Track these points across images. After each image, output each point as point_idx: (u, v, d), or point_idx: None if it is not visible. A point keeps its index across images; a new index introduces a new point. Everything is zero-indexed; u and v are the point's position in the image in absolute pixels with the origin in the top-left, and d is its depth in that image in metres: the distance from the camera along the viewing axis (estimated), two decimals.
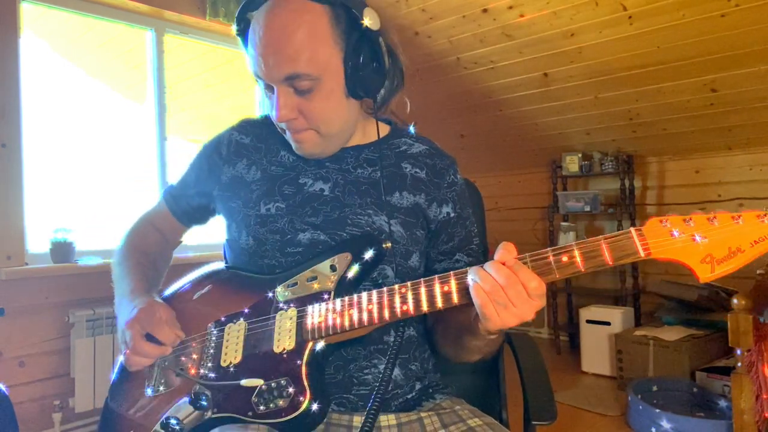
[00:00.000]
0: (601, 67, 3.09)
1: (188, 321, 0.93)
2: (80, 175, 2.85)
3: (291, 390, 0.79)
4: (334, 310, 0.81)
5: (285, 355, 0.82)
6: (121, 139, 3.02)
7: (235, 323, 0.89)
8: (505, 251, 0.72)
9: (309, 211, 0.94)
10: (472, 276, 0.72)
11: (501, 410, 1.15)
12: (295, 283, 0.88)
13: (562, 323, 4.04)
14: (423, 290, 0.77)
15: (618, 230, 0.79)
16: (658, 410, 2.42)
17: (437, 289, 0.76)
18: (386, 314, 0.78)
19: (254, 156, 1.01)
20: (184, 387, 0.87)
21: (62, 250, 2.39)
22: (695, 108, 3.15)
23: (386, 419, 0.90)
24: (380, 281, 0.92)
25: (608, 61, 3.03)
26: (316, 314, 0.82)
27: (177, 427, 0.83)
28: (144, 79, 2.90)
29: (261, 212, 0.95)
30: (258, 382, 0.81)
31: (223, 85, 3.59)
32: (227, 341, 0.87)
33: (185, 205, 1.10)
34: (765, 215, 0.66)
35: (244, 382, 0.81)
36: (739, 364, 2.05)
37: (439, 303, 0.76)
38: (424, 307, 0.76)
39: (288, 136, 0.93)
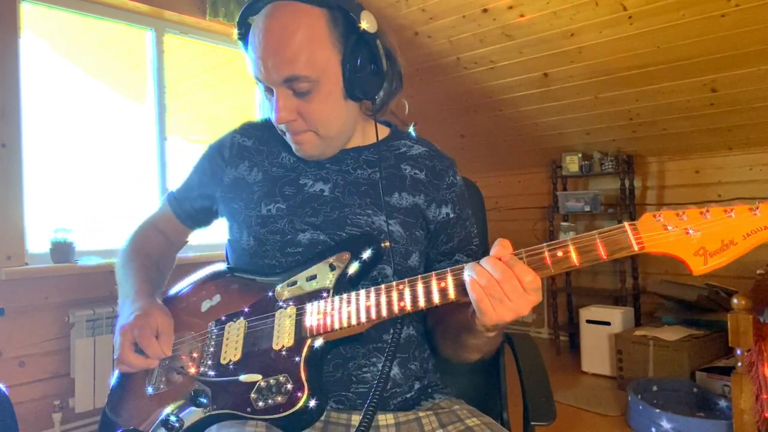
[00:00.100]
0: (601, 67, 3.09)
1: (189, 320, 0.95)
2: (80, 175, 2.85)
3: (289, 386, 0.80)
4: (332, 308, 0.83)
5: (284, 353, 0.83)
6: (121, 139, 3.02)
7: (235, 322, 0.90)
8: (501, 247, 0.73)
9: (309, 212, 0.96)
10: (469, 271, 0.73)
11: (502, 411, 1.15)
12: (295, 282, 0.89)
13: (562, 323, 4.04)
14: (420, 287, 0.78)
15: None
16: (658, 410, 2.42)
17: (434, 286, 0.77)
18: (384, 311, 0.79)
19: (256, 158, 1.03)
20: (185, 385, 0.88)
21: (62, 250, 2.39)
22: (695, 108, 3.15)
23: (384, 418, 0.91)
24: (380, 281, 0.92)
25: (608, 61, 3.03)
26: (315, 312, 0.84)
27: (177, 425, 0.84)
28: (144, 79, 2.90)
29: (262, 213, 0.97)
30: (256, 377, 0.82)
31: (223, 85, 3.59)
32: (227, 339, 0.89)
33: (188, 208, 1.12)
34: (757, 208, 0.67)
35: (242, 377, 0.83)
36: (739, 364, 2.05)
37: (436, 299, 0.77)
38: (421, 303, 0.77)
39: (288, 138, 0.95)
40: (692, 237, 0.68)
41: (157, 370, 0.92)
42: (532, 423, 0.95)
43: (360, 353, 0.91)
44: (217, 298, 0.96)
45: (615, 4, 2.69)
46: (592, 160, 3.78)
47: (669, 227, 0.69)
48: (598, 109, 3.44)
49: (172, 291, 1.04)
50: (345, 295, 0.83)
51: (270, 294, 0.90)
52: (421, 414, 0.92)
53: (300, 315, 0.85)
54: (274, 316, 0.87)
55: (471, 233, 1.03)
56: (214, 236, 1.20)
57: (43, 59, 2.86)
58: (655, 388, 2.73)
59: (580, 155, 3.82)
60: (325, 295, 0.85)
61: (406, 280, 0.79)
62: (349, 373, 0.91)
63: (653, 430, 2.41)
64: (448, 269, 0.77)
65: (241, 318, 0.90)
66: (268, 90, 0.90)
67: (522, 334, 1.22)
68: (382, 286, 0.81)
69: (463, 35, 3.22)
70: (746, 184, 3.34)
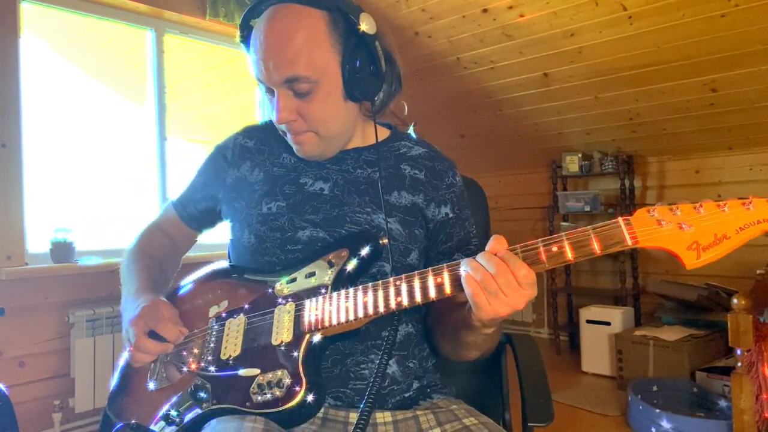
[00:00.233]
0: (601, 67, 3.09)
1: (191, 317, 0.96)
2: (80, 176, 2.85)
3: (287, 381, 0.81)
4: (330, 304, 0.84)
5: (283, 348, 0.84)
6: (120, 139, 3.02)
7: (235, 318, 0.92)
8: (496, 242, 0.75)
9: (309, 210, 0.97)
10: (464, 266, 0.75)
11: (504, 411, 1.15)
12: (294, 279, 0.90)
13: (562, 323, 4.04)
14: (416, 282, 0.79)
15: None
16: (658, 410, 2.42)
17: (430, 281, 0.78)
18: (381, 306, 0.80)
19: (257, 158, 1.05)
20: (185, 380, 0.89)
21: (62, 250, 2.39)
22: (695, 108, 3.15)
23: (382, 416, 0.91)
24: (379, 278, 0.93)
25: (608, 61, 3.03)
26: (313, 308, 0.85)
27: (177, 419, 0.86)
28: (144, 79, 2.90)
29: (263, 211, 0.98)
30: (255, 371, 0.83)
31: (223, 85, 3.59)
32: (227, 335, 0.90)
33: (193, 210, 1.13)
34: (750, 202, 0.67)
35: (241, 372, 0.84)
36: (739, 364, 2.05)
37: (433, 294, 0.78)
38: (418, 299, 0.79)
39: (289, 138, 0.96)
40: (685, 231, 0.69)
41: (159, 365, 0.94)
42: (530, 424, 0.95)
43: (358, 350, 0.92)
44: (217, 295, 0.98)
45: (615, 4, 2.69)
46: (592, 160, 3.78)
47: (663, 222, 0.70)
48: (598, 109, 3.44)
49: (174, 288, 1.06)
50: (343, 291, 0.84)
51: (270, 291, 0.91)
52: (418, 412, 0.93)
53: (299, 311, 0.86)
54: (273, 312, 0.89)
55: (470, 233, 1.04)
56: (217, 236, 1.21)
57: (43, 59, 2.86)
58: (655, 388, 2.73)
59: (580, 155, 3.82)
60: (323, 291, 0.87)
61: (403, 276, 0.81)
62: (347, 369, 0.92)
63: (653, 430, 2.41)
64: (445, 265, 0.79)
65: (241, 314, 0.91)
66: (269, 91, 0.92)
67: (523, 335, 1.22)
68: (380, 282, 0.82)
69: (463, 35, 3.22)
70: (746, 184, 3.34)
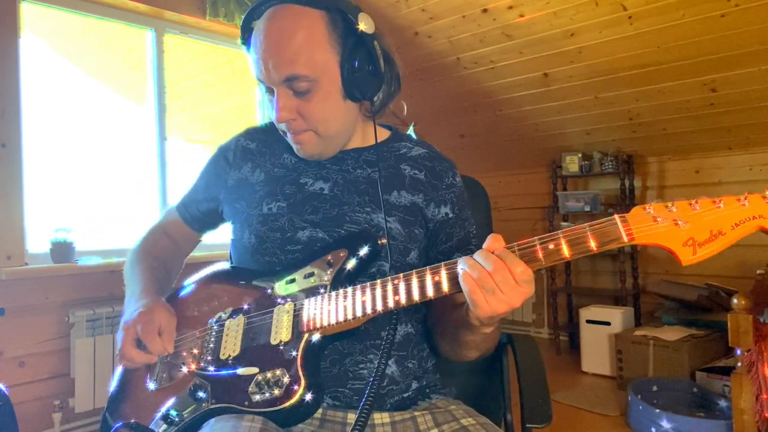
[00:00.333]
0: (601, 67, 3.09)
1: (190, 318, 0.97)
2: (80, 176, 2.85)
3: (286, 380, 0.81)
4: (328, 304, 0.85)
5: (281, 347, 0.85)
6: (121, 139, 3.02)
7: (234, 318, 0.92)
8: (493, 240, 0.75)
9: (309, 210, 0.98)
10: (461, 264, 0.75)
11: (505, 412, 1.15)
12: (294, 279, 0.91)
13: (562, 323, 4.04)
14: (415, 281, 0.79)
15: None
16: (658, 410, 2.42)
17: (428, 279, 0.79)
18: (379, 305, 0.81)
19: (259, 160, 1.05)
20: (185, 380, 0.90)
21: (62, 250, 2.39)
22: (695, 108, 3.15)
23: (380, 417, 0.92)
24: (378, 277, 0.92)
25: (608, 61, 3.03)
26: (312, 308, 0.86)
27: (177, 419, 0.86)
28: (144, 79, 2.90)
29: (263, 211, 0.99)
30: (253, 370, 0.84)
31: (223, 85, 3.59)
32: (227, 335, 0.91)
33: (195, 211, 1.14)
34: (746, 198, 0.68)
35: (240, 371, 0.85)
36: (739, 364, 2.05)
37: (430, 292, 0.78)
38: (416, 297, 0.79)
39: (289, 138, 0.97)
40: (681, 228, 0.69)
41: (159, 365, 0.94)
42: (528, 425, 0.95)
43: (357, 349, 0.92)
44: (217, 295, 0.98)
45: (615, 4, 2.69)
46: (592, 160, 3.78)
47: (658, 219, 0.70)
48: (598, 109, 3.44)
49: (175, 290, 1.07)
50: (341, 291, 0.85)
51: (269, 291, 0.92)
52: (416, 413, 0.93)
53: (298, 311, 0.87)
54: (272, 312, 0.89)
55: (470, 233, 1.04)
56: (219, 237, 1.21)
57: (43, 59, 2.86)
58: (655, 388, 2.73)
59: (580, 155, 3.82)
60: (322, 291, 0.87)
61: (401, 274, 0.81)
62: (345, 369, 0.92)
63: (653, 430, 2.41)
64: (442, 263, 0.79)
65: (241, 314, 0.92)
66: (269, 90, 0.93)
67: (524, 335, 1.22)
68: (378, 281, 0.82)
69: (463, 35, 3.22)
70: (746, 184, 3.34)
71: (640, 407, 2.52)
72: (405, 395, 0.96)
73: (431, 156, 1.05)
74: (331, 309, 0.84)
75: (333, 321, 0.83)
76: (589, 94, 3.34)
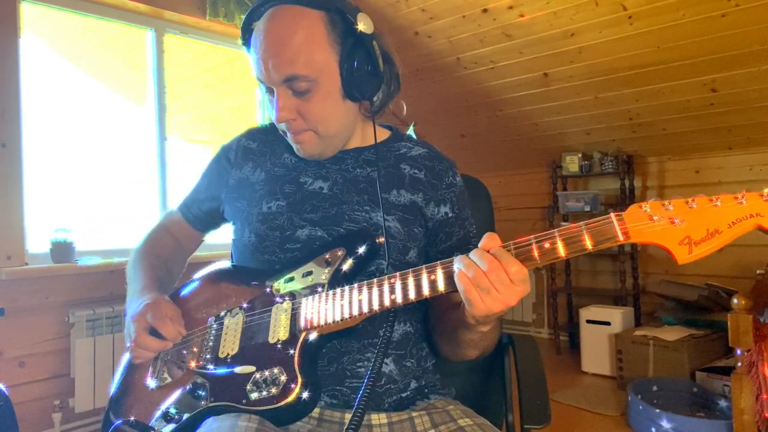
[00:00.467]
0: (601, 67, 3.09)
1: (191, 316, 0.98)
2: (80, 176, 2.85)
3: (283, 378, 0.82)
4: (326, 302, 0.85)
5: (279, 346, 0.85)
6: (121, 139, 3.02)
7: (233, 317, 0.93)
8: (489, 239, 0.75)
9: (308, 208, 0.98)
10: (457, 263, 0.75)
11: (507, 413, 1.14)
12: (292, 278, 0.92)
13: (562, 323, 4.04)
14: (411, 280, 0.80)
15: None
16: (658, 410, 2.42)
17: (424, 278, 0.79)
18: (375, 304, 0.81)
19: (260, 159, 1.06)
20: (185, 378, 0.91)
21: (62, 250, 2.39)
22: (695, 108, 3.15)
23: (377, 417, 0.92)
24: (377, 276, 0.93)
25: (608, 61, 3.03)
26: (309, 307, 0.86)
27: (176, 417, 0.87)
28: (144, 79, 2.90)
29: (263, 210, 1.00)
30: (250, 368, 0.85)
31: (223, 85, 3.59)
32: (225, 334, 0.92)
33: (197, 211, 1.15)
34: (743, 197, 0.67)
35: (238, 369, 0.86)
36: (739, 364, 2.05)
37: (426, 291, 0.78)
38: (412, 296, 0.79)
39: (289, 137, 0.97)
40: (677, 226, 0.69)
41: (159, 363, 0.95)
42: (526, 426, 0.95)
43: (354, 348, 0.93)
44: (217, 294, 0.99)
45: (615, 4, 2.69)
46: (592, 160, 3.78)
47: (655, 217, 0.70)
48: (598, 109, 3.44)
49: (176, 288, 1.07)
50: (338, 290, 0.85)
51: (268, 289, 0.93)
52: (414, 414, 0.93)
53: (295, 309, 0.88)
54: (270, 310, 0.90)
55: (470, 233, 1.04)
56: (221, 236, 1.22)
57: (43, 59, 2.87)
58: (655, 388, 2.73)
59: (580, 155, 3.82)
60: (319, 290, 0.88)
61: (397, 273, 0.81)
62: (343, 367, 0.92)
63: (653, 430, 2.41)
64: (438, 262, 0.79)
65: (240, 313, 0.93)
66: (270, 90, 0.93)
67: (524, 336, 1.22)
68: (375, 279, 0.83)
69: (463, 35, 3.22)
70: (746, 184, 3.34)
71: (640, 407, 2.52)
72: (403, 395, 0.96)
73: (431, 156, 1.05)
74: (328, 308, 0.85)
75: (330, 320, 0.84)
76: (589, 94, 3.34)
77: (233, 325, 0.92)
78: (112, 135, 3.01)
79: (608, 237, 0.71)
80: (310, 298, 0.87)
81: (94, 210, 2.88)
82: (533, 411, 0.98)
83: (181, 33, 2.98)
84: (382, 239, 0.91)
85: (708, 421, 2.40)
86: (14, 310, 2.27)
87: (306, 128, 0.94)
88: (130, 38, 3.07)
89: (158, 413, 0.89)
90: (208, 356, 0.90)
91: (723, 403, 2.50)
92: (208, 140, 3.60)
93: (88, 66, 3.33)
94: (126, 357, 1.00)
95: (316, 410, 0.90)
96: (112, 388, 1.00)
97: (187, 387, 0.89)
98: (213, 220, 1.15)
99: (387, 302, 0.80)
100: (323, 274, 0.89)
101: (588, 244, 0.71)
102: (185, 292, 1.04)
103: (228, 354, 0.88)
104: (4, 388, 1.69)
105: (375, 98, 0.97)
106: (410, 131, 1.11)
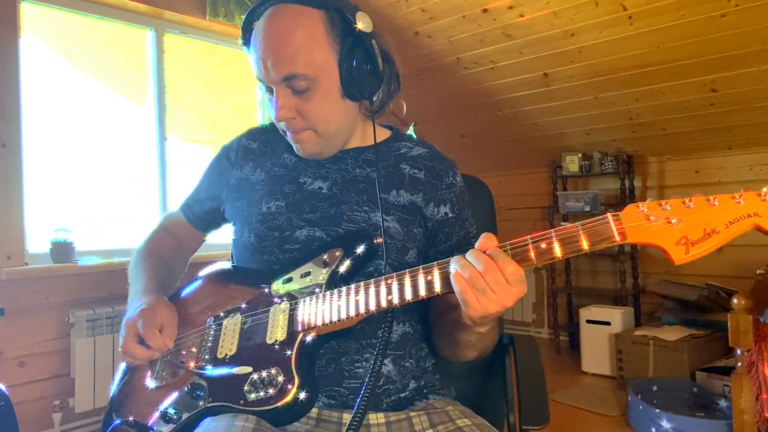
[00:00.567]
0: (601, 67, 3.09)
1: (190, 317, 0.98)
2: (80, 176, 2.85)
3: (280, 379, 0.82)
4: (323, 303, 0.85)
5: (276, 346, 0.85)
6: (121, 140, 3.02)
7: (232, 317, 0.93)
8: (486, 240, 0.75)
9: (307, 208, 0.98)
10: (453, 264, 0.75)
11: (509, 414, 1.14)
12: (290, 279, 0.92)
13: (562, 323, 4.04)
14: (407, 280, 0.80)
15: None
16: (658, 410, 2.42)
17: (421, 279, 0.79)
18: (372, 304, 0.81)
19: (260, 159, 1.06)
20: (184, 379, 0.91)
21: (62, 250, 2.39)
22: (695, 108, 3.15)
23: (375, 417, 0.92)
24: (375, 276, 0.93)
25: (608, 61, 3.03)
26: (307, 307, 0.86)
27: (175, 417, 0.87)
28: (144, 79, 2.90)
29: (262, 210, 1.00)
30: (247, 369, 0.85)
31: (223, 85, 3.59)
32: (224, 334, 0.92)
33: (198, 211, 1.15)
34: (740, 196, 0.66)
35: (235, 370, 0.86)
36: (739, 364, 2.05)
37: (422, 292, 0.78)
38: (408, 297, 0.79)
39: (289, 137, 0.97)
40: (674, 226, 0.68)
41: (159, 364, 0.95)
42: (524, 427, 0.95)
43: (353, 348, 0.93)
44: (217, 294, 0.99)
45: (615, 4, 2.69)
46: (592, 160, 3.78)
47: (651, 217, 0.69)
48: (598, 109, 3.44)
49: (177, 289, 1.08)
50: (336, 290, 0.85)
51: (266, 290, 0.93)
52: (412, 414, 0.93)
53: (293, 310, 0.88)
54: (268, 311, 0.90)
55: (470, 233, 1.04)
56: (221, 236, 1.22)
57: (43, 59, 2.87)
58: (655, 388, 2.73)
59: (580, 155, 3.82)
60: (317, 291, 0.88)
61: (394, 274, 0.81)
62: (341, 368, 0.92)
63: (653, 430, 2.41)
64: (435, 263, 0.79)
65: (238, 313, 0.93)
66: (269, 90, 0.93)
67: (525, 336, 1.22)
68: (372, 280, 0.83)
69: (463, 35, 3.22)
70: (746, 184, 3.34)
71: (640, 407, 2.52)
72: (402, 395, 0.96)
73: (431, 156, 1.05)
74: (325, 309, 0.85)
75: (327, 321, 0.84)
76: (589, 94, 3.34)
77: (232, 325, 0.92)
78: (112, 135, 3.01)
79: (605, 237, 0.70)
80: (308, 298, 0.87)
81: (94, 210, 2.88)
82: (532, 411, 0.98)
83: (181, 33, 2.98)
84: (380, 240, 0.91)
85: (708, 421, 2.40)
86: (14, 310, 2.27)
87: (305, 127, 0.94)
88: (130, 38, 3.07)
89: (157, 413, 0.89)
90: (207, 357, 0.90)
91: (723, 403, 2.50)
92: (208, 140, 3.60)
93: (88, 66, 3.33)
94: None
95: (315, 410, 0.90)
96: (113, 388, 1.00)
97: (186, 387, 0.89)
98: (214, 220, 1.15)
99: (384, 303, 0.80)
100: (321, 275, 0.89)
101: (584, 244, 0.71)
102: (185, 292, 1.04)
103: (226, 354, 0.88)
104: (4, 388, 1.69)
105: (375, 98, 0.96)
106: (410, 131, 1.11)
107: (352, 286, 0.84)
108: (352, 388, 0.91)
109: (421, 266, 0.80)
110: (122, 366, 1.01)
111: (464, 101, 3.80)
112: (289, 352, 0.84)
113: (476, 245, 0.75)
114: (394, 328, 0.96)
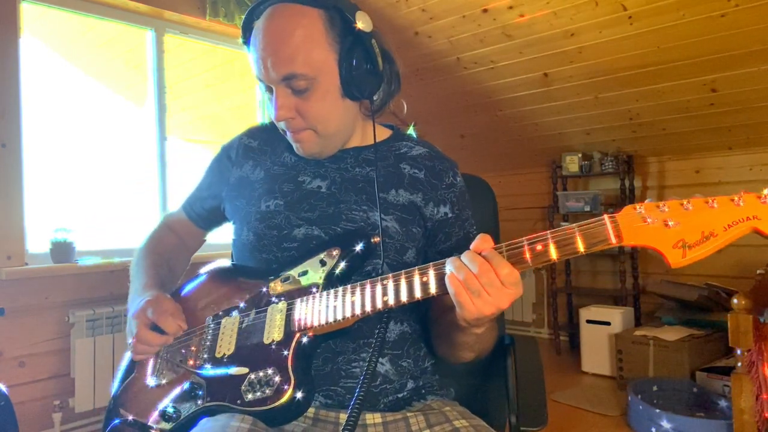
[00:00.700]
0: (601, 67, 3.09)
1: (190, 315, 0.98)
2: (80, 176, 2.85)
3: (277, 379, 0.82)
4: (320, 303, 0.85)
5: (273, 346, 0.85)
6: (121, 140, 3.02)
7: (230, 317, 0.93)
8: (482, 241, 0.75)
9: (305, 207, 0.98)
10: (448, 266, 0.75)
11: (510, 414, 1.14)
12: (288, 278, 0.92)
13: (562, 323, 4.04)
14: (403, 281, 0.79)
15: None
16: (658, 410, 2.42)
17: (416, 280, 0.78)
18: (368, 305, 0.81)
19: (260, 158, 1.07)
20: (183, 377, 0.91)
21: (62, 250, 2.39)
22: (695, 108, 3.15)
23: (372, 417, 0.92)
24: (374, 276, 0.93)
25: (608, 61, 3.03)
26: (303, 307, 0.86)
27: (174, 416, 0.87)
28: (144, 79, 2.90)
29: (261, 209, 1.00)
30: (243, 370, 0.85)
31: (223, 85, 3.59)
32: (222, 333, 0.92)
33: (199, 209, 1.16)
34: (740, 198, 0.65)
35: (233, 370, 0.86)
36: (739, 364, 2.05)
37: (418, 293, 0.78)
38: (404, 298, 0.79)
39: (288, 136, 0.97)
40: (671, 229, 0.66)
41: (158, 363, 0.95)
42: (522, 428, 0.95)
43: (350, 348, 0.93)
44: (216, 293, 0.99)
45: (615, 4, 2.69)
46: (592, 160, 3.78)
47: (648, 219, 0.67)
48: (598, 109, 3.44)
49: (176, 288, 1.08)
50: (332, 291, 0.85)
51: (264, 289, 0.93)
52: (409, 414, 0.93)
53: (290, 310, 0.88)
54: (266, 311, 0.90)
55: (470, 234, 1.03)
56: (222, 236, 1.23)
57: (43, 59, 2.86)
58: (655, 388, 2.73)
59: (580, 155, 3.82)
60: (314, 290, 0.88)
61: (391, 274, 0.81)
62: (338, 367, 0.92)
63: (653, 430, 2.41)
64: (431, 264, 0.79)
65: (237, 313, 0.93)
66: (269, 89, 0.93)
67: (526, 337, 1.22)
68: (368, 281, 0.83)
69: (463, 35, 3.22)
70: (746, 184, 3.34)
71: (640, 407, 2.52)
72: (399, 395, 0.95)
73: (432, 155, 1.05)
74: (321, 309, 0.84)
75: (323, 321, 0.84)
76: (589, 94, 3.34)
77: (230, 325, 0.92)
78: (112, 135, 3.01)
79: (601, 239, 0.69)
80: (305, 298, 0.87)
81: (94, 210, 2.88)
82: (530, 413, 0.98)
83: (181, 33, 2.98)
84: (377, 239, 0.91)
85: (708, 421, 2.40)
86: (14, 310, 2.27)
87: (305, 127, 0.94)
88: (130, 38, 3.07)
89: (156, 412, 0.89)
90: (205, 356, 0.90)
91: (723, 403, 2.50)
92: (208, 140, 3.60)
93: (88, 66, 3.33)
94: (127, 356, 1.01)
95: (311, 410, 0.90)
96: (114, 388, 1.00)
97: (185, 386, 0.89)
98: (215, 218, 1.16)
99: (379, 304, 0.80)
100: (318, 275, 0.89)
101: (580, 246, 0.70)
102: (184, 291, 1.05)
103: (224, 354, 0.88)
104: (4, 388, 1.69)
105: (375, 97, 0.96)
106: (410, 131, 1.11)
107: (348, 286, 0.84)
108: (349, 388, 0.91)
109: (416, 267, 0.80)
110: (123, 365, 1.01)
111: (464, 101, 3.80)
112: (285, 352, 0.84)
113: (471, 246, 0.75)
114: (391, 327, 0.96)
